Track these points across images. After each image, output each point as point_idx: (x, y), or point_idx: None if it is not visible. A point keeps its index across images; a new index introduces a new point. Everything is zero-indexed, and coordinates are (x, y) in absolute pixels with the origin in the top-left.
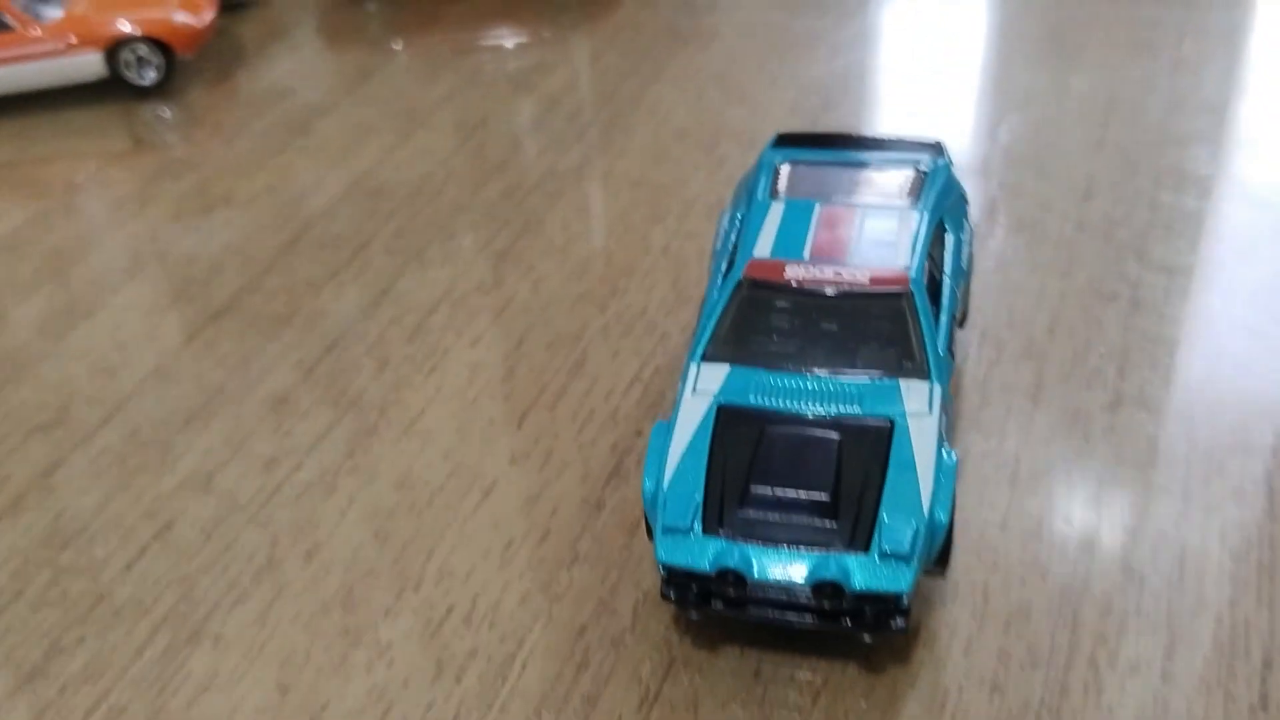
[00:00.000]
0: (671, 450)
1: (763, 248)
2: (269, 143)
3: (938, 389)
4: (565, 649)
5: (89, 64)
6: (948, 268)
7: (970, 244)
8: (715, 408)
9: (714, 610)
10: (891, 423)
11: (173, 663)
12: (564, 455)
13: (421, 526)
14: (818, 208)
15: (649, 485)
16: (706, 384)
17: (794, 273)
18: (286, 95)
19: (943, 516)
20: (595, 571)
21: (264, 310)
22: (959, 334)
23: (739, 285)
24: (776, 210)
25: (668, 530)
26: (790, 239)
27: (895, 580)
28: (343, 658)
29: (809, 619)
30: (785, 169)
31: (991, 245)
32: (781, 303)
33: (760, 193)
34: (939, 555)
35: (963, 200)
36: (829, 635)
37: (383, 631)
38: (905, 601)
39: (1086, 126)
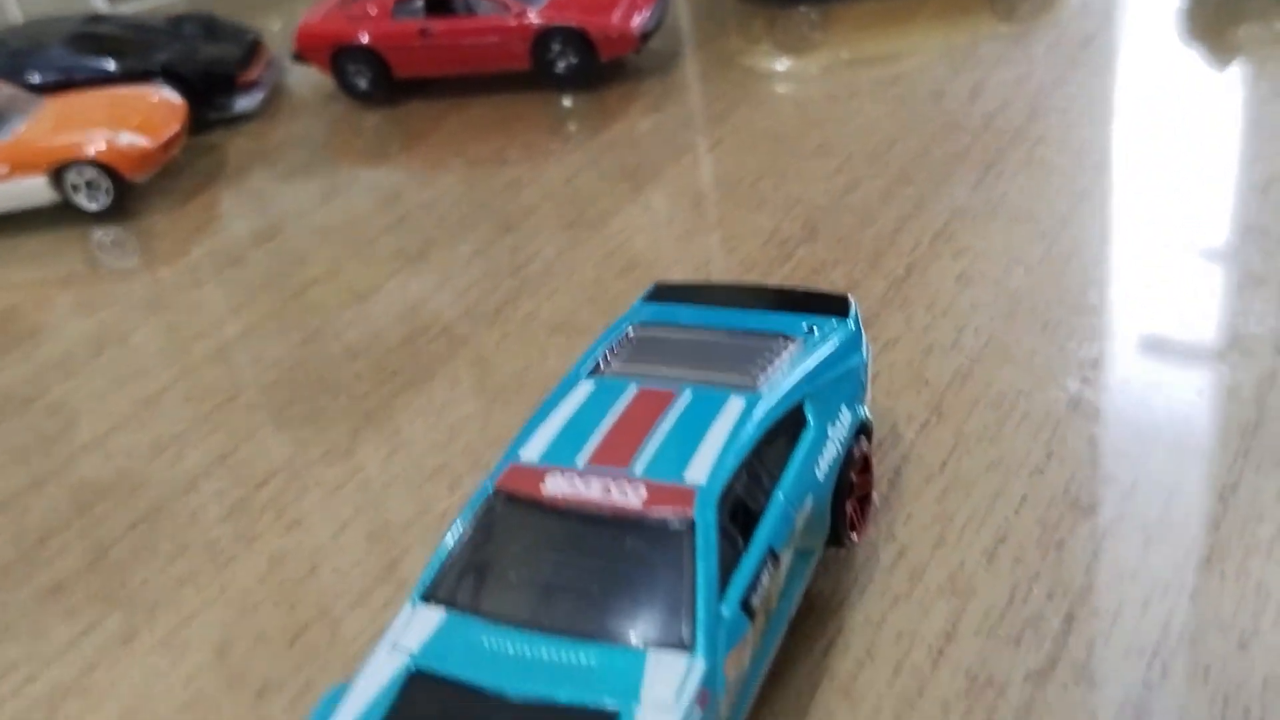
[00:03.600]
0: None
1: (535, 447)
2: (194, 276)
3: (698, 668)
4: None
5: (34, 188)
6: (788, 477)
7: (849, 439)
8: (405, 675)
9: None
10: (614, 717)
11: None
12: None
13: None
14: (631, 390)
15: None
16: (409, 637)
17: (554, 487)
18: (235, 220)
19: None
20: None
21: (90, 476)
22: (843, 554)
23: (488, 500)
24: (582, 392)
25: None
26: (574, 435)
27: None
28: None
29: None
30: (634, 334)
31: (942, 429)
32: (532, 527)
33: (583, 365)
34: None
35: (854, 379)
36: None
37: None
38: None
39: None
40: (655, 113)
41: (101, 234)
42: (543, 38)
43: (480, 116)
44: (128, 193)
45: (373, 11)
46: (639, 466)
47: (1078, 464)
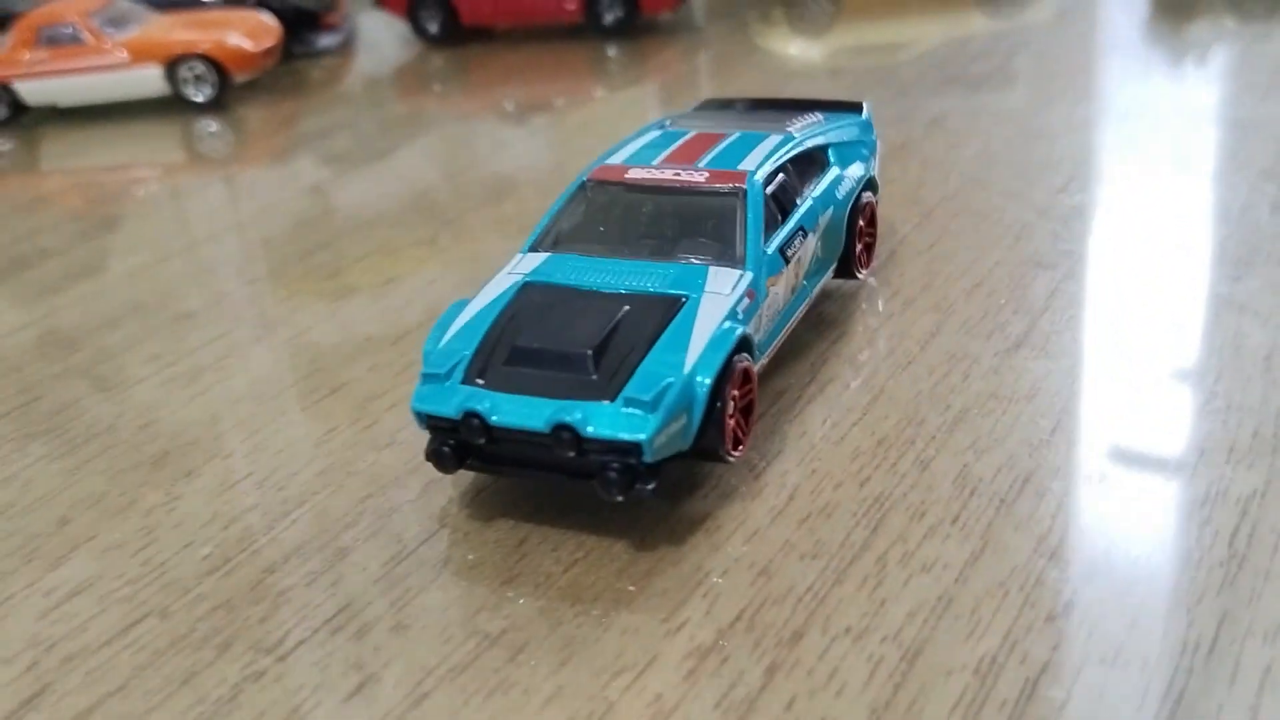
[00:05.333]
0: (462, 316)
1: (618, 158)
2: (285, 148)
3: (747, 277)
4: (339, 512)
5: (151, 79)
6: (817, 191)
7: (860, 183)
8: (520, 285)
9: (471, 467)
10: (685, 297)
11: None
12: None
13: (258, 412)
14: (693, 132)
15: (428, 346)
16: (522, 267)
17: (635, 174)
18: (315, 115)
19: (704, 379)
20: (404, 454)
21: (211, 254)
22: (855, 288)
23: (581, 186)
24: (653, 134)
25: (426, 378)
26: (650, 151)
27: (633, 428)
28: (130, 502)
29: (560, 477)
30: (696, 111)
31: (931, 226)
32: (619, 200)
33: (647, 127)
34: (706, 438)
35: (866, 148)
36: (610, 512)
37: (179, 486)
38: (647, 456)
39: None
40: (683, 60)
41: (204, 123)
42: None
43: (535, 58)
44: (228, 91)
45: None
46: (702, 163)
47: (1041, 242)
